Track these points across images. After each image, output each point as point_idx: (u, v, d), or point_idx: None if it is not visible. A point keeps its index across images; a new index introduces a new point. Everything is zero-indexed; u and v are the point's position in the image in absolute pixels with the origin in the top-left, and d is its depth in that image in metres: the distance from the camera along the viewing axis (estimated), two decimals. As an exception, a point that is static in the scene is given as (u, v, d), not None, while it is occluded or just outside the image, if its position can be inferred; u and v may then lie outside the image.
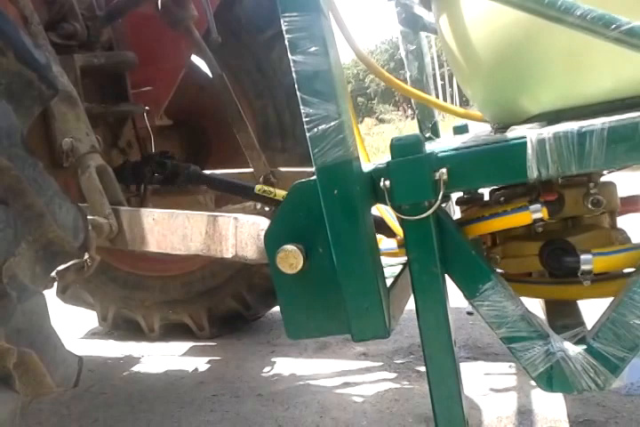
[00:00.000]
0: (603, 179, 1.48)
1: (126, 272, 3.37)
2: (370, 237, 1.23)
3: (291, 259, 1.23)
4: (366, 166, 1.29)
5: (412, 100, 2.58)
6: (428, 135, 2.50)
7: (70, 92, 1.67)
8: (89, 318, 3.68)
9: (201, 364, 3.02)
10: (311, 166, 1.20)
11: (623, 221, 1.57)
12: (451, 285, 1.27)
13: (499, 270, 1.45)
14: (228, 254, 1.44)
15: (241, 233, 1.42)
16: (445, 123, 2.84)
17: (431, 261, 1.21)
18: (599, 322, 1.20)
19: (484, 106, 1.66)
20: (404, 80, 2.53)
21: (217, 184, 2.25)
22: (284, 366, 2.87)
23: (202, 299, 3.27)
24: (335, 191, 1.19)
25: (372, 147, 14.39)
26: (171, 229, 1.52)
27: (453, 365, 1.24)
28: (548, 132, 1.14)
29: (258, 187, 2.10)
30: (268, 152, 2.83)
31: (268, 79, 2.93)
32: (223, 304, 3.26)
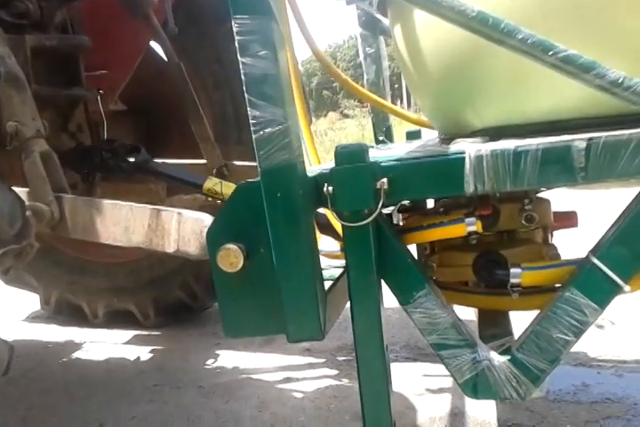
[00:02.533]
0: (540, 195, 1.54)
1: (72, 257, 3.32)
2: (310, 241, 1.25)
3: (231, 257, 1.24)
4: (312, 170, 1.30)
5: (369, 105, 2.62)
6: (381, 138, 2.53)
7: (17, 75, 1.63)
8: (31, 301, 3.61)
9: (144, 353, 3.00)
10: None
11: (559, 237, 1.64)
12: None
13: (435, 278, 1.50)
14: (170, 249, 1.44)
15: (184, 228, 1.43)
16: (402, 127, 2.87)
17: (368, 267, 1.24)
18: (524, 334, 1.25)
19: (432, 116, 1.70)
20: (362, 83, 2.56)
21: (165, 177, 2.23)
22: (228, 358, 2.88)
23: (148, 287, 3.25)
24: (278, 194, 1.20)
25: (334, 142, 14.44)
26: (113, 221, 1.51)
27: (384, 368, 1.27)
28: (486, 149, 1.17)
29: (207, 186, 2.09)
30: (224, 144, 2.82)
31: (227, 70, 2.91)
32: (170, 294, 3.23)
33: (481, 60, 1.36)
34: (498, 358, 1.24)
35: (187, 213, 1.44)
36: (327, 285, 1.40)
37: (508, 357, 1.23)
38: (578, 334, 1.19)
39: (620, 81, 1.07)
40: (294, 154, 1.18)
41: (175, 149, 3.19)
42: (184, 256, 1.45)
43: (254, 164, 1.19)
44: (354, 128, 19.87)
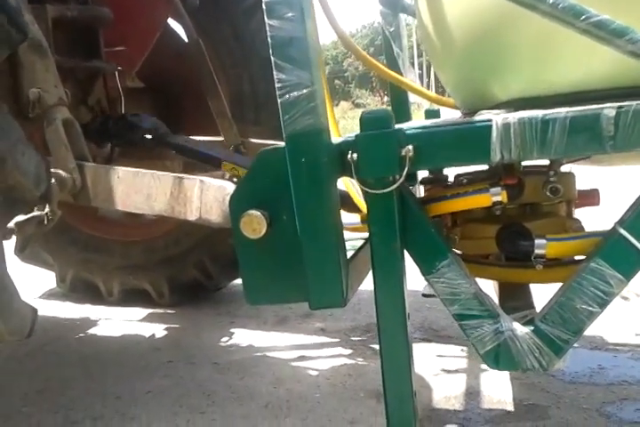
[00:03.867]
0: (563, 169, 1.52)
1: (87, 235, 3.33)
2: (333, 208, 1.24)
3: (254, 224, 1.24)
4: (336, 139, 1.29)
5: (388, 85, 2.59)
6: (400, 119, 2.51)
7: (40, 42, 1.63)
8: (47, 279, 3.64)
9: (158, 330, 3.02)
10: (283, 140, 1.20)
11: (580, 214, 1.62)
12: (409, 267, 1.29)
13: (457, 251, 1.49)
14: (192, 217, 1.44)
15: (206, 196, 1.42)
16: (420, 112, 2.84)
17: (391, 235, 1.23)
18: (548, 305, 1.24)
19: (455, 90, 1.68)
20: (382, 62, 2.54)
21: (186, 150, 2.23)
22: (243, 337, 2.89)
23: (163, 266, 3.25)
24: (303, 160, 1.19)
25: (346, 130, 14.38)
26: (135, 188, 1.51)
27: (405, 339, 1.27)
28: (514, 117, 1.16)
29: (226, 166, 2.08)
30: (241, 124, 2.81)
31: (246, 49, 2.89)
32: (185, 273, 3.24)
33: (507, 28, 1.34)
34: (521, 329, 1.23)
35: (209, 180, 1.44)
36: (349, 254, 1.40)
37: (532, 327, 1.23)
38: (602, 305, 1.18)
39: (654, 46, 1.05)
40: (319, 119, 1.18)
41: (192, 128, 3.19)
42: (206, 224, 1.45)
43: (273, 142, 1.19)
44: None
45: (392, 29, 2.54)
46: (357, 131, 1.23)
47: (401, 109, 2.60)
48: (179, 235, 3.19)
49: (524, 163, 1.50)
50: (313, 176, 1.19)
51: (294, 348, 2.71)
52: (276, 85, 1.17)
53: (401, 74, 2.44)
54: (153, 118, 2.29)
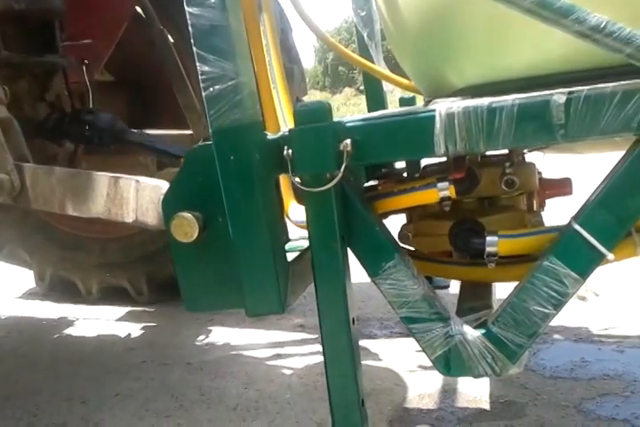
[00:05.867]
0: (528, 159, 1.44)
1: (65, 232, 3.27)
2: (269, 208, 1.16)
3: (185, 227, 1.16)
4: (273, 134, 1.21)
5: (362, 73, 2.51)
6: (374, 107, 2.43)
7: None
8: (29, 278, 3.58)
9: (135, 329, 2.96)
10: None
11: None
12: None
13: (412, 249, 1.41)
14: (129, 219, 1.36)
15: (142, 197, 1.35)
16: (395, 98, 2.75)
17: (331, 235, 1.15)
18: (500, 307, 1.16)
19: (415, 77, 1.60)
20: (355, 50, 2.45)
21: (144, 147, 2.15)
22: (220, 335, 2.82)
23: (142, 263, 3.19)
24: (232, 157, 1.11)
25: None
26: (72, 190, 1.44)
27: (349, 344, 1.19)
28: (458, 106, 1.08)
29: None
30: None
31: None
32: (164, 270, 3.17)
33: (458, 13, 1.26)
34: (472, 333, 1.15)
35: (145, 180, 1.36)
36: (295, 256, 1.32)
37: (483, 331, 1.15)
38: (557, 306, 1.10)
39: (601, 26, 0.97)
40: (248, 113, 1.09)
41: (169, 121, 3.11)
42: (143, 227, 1.37)
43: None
44: (367, 104, 19.63)
45: (363, 14, 2.44)
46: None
47: (376, 97, 2.52)
48: (157, 231, 3.11)
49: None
50: (243, 174, 1.11)
51: (271, 345, 2.64)
52: (200, 78, 1.08)
53: (372, 60, 2.36)
54: (110, 115, 2.20)
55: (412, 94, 2.38)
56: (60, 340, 2.90)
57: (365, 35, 2.41)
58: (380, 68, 2.31)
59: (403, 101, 2.42)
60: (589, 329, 2.55)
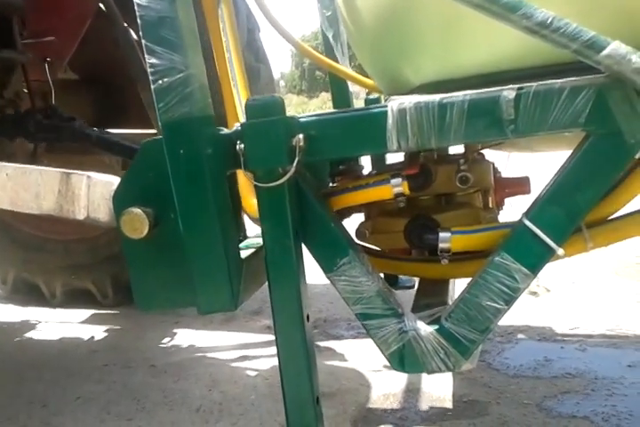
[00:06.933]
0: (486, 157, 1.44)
1: (28, 233, 3.21)
2: (221, 204, 1.15)
3: (135, 223, 1.14)
4: (226, 129, 1.20)
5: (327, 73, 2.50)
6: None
7: None
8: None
9: (99, 332, 2.91)
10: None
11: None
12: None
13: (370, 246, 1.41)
14: (81, 216, 1.33)
15: (93, 193, 1.32)
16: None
17: (284, 232, 1.14)
18: (454, 302, 1.16)
19: (374, 75, 1.60)
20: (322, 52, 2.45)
21: (104, 144, 2.11)
22: (185, 337, 2.79)
23: (107, 265, 3.14)
24: (181, 151, 1.10)
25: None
26: (24, 186, 1.40)
27: (303, 341, 1.18)
28: (410, 102, 1.08)
29: None
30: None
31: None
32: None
33: (414, 10, 1.25)
34: (425, 329, 1.15)
35: (96, 176, 1.33)
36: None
37: (436, 326, 1.15)
38: (509, 301, 1.10)
39: (548, 22, 0.97)
40: (198, 106, 1.08)
41: (134, 120, 3.07)
42: (95, 224, 1.35)
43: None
44: (342, 108, 19.71)
45: (329, 14, 2.44)
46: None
47: (341, 98, 2.51)
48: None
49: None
50: (194, 169, 1.10)
51: (237, 347, 2.62)
52: (148, 70, 1.07)
53: (338, 60, 2.36)
54: (63, 113, 2.16)
55: (378, 95, 2.38)
56: (22, 343, 2.84)
57: (330, 35, 2.42)
58: (345, 68, 2.31)
59: (368, 102, 2.42)
60: (553, 328, 2.57)
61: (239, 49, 1.68)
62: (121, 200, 1.18)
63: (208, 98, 1.12)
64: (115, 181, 1.32)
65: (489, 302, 1.11)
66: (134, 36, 2.52)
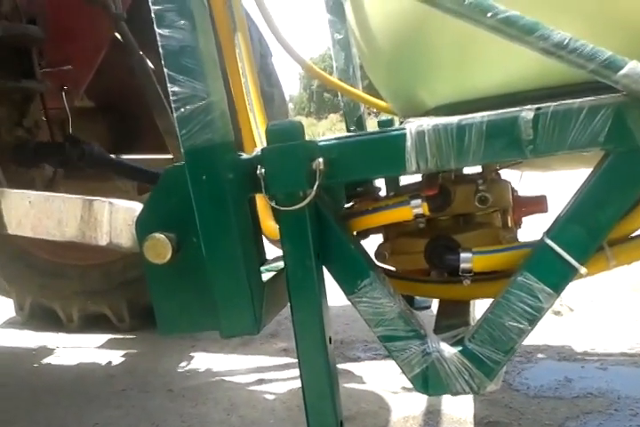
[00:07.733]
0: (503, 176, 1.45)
1: (45, 260, 3.23)
2: (243, 228, 1.16)
3: (159, 248, 1.15)
4: (247, 154, 1.21)
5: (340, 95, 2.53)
6: (353, 129, 2.44)
7: None
8: (8, 307, 3.53)
9: (116, 357, 2.91)
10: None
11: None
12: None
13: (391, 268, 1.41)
14: (103, 242, 1.35)
15: (115, 219, 1.34)
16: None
17: (305, 254, 1.14)
18: (477, 323, 1.16)
19: (388, 97, 1.62)
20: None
21: (123, 170, 2.14)
22: (202, 361, 2.79)
23: (123, 290, 3.16)
24: (204, 177, 1.11)
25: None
26: (46, 213, 1.42)
27: (326, 364, 1.18)
28: (428, 124, 1.09)
29: None
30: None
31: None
32: (145, 296, 3.10)
33: (427, 32, 1.27)
34: (449, 350, 1.14)
35: (118, 202, 1.35)
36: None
37: (460, 348, 1.14)
38: (532, 321, 1.09)
39: (565, 43, 0.98)
40: (219, 132, 1.10)
41: (150, 146, 3.11)
42: (117, 249, 1.36)
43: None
44: (353, 130, 19.91)
45: (340, 37, 2.47)
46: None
47: (355, 120, 2.53)
48: (137, 257, 3.08)
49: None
50: (216, 194, 1.11)
51: (254, 371, 2.61)
52: (171, 99, 1.09)
53: (351, 82, 2.38)
54: (83, 141, 2.19)
55: (390, 117, 2.40)
56: (39, 369, 2.84)
57: (343, 58, 2.45)
58: (358, 90, 2.34)
59: (381, 124, 2.43)
60: (572, 348, 2.54)
61: (255, 74, 1.71)
62: (144, 226, 1.19)
63: (229, 124, 1.13)
64: (137, 207, 1.33)
65: (512, 323, 1.10)
66: (150, 65, 2.57)
